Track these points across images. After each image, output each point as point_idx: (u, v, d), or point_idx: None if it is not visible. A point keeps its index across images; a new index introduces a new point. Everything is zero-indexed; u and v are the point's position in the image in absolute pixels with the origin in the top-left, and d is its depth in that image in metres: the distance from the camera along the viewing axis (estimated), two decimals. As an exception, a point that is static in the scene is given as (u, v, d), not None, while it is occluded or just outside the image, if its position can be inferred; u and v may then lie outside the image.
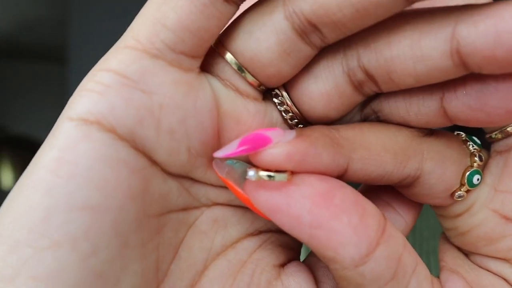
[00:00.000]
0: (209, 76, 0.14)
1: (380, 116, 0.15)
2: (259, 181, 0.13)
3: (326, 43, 0.13)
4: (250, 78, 0.14)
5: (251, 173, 0.13)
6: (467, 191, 0.15)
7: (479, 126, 0.14)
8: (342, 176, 0.14)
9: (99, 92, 0.13)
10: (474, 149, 0.15)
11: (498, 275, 0.16)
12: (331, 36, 0.13)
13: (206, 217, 0.15)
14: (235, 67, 0.14)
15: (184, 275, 0.15)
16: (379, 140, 0.14)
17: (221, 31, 0.14)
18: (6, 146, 1.83)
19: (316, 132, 0.14)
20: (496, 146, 0.16)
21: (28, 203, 0.12)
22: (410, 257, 0.14)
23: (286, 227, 0.13)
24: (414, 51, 0.12)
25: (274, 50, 0.13)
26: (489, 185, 0.15)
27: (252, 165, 0.14)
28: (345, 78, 0.14)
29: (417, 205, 0.17)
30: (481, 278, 0.16)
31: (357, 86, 0.14)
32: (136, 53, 0.13)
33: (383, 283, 0.13)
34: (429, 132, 0.15)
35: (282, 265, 0.16)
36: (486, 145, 0.16)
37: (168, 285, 0.14)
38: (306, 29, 0.13)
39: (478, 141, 0.16)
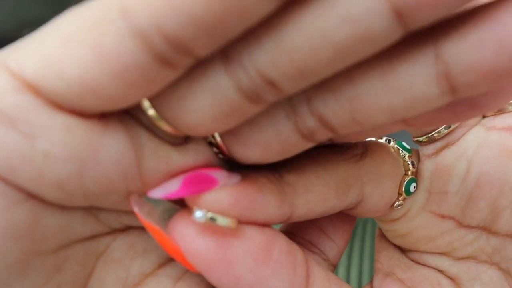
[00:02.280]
0: (123, 116, 0.11)
1: (334, 139, 0.14)
2: (199, 227, 0.12)
3: (281, 98, 0.10)
4: (171, 129, 0.11)
5: (199, 214, 0.11)
6: (404, 199, 0.16)
7: (440, 126, 0.15)
8: (284, 222, 0.13)
9: None
10: (405, 155, 0.16)
11: (435, 268, 0.16)
12: (292, 90, 0.10)
13: (120, 244, 0.13)
14: (152, 116, 0.11)
15: None
16: (320, 179, 0.13)
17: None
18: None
19: (262, 176, 0.12)
20: (425, 150, 0.16)
21: None
22: (336, 286, 0.14)
23: (221, 287, 0.12)
24: (387, 82, 0.10)
25: (206, 112, 0.10)
26: (423, 189, 0.16)
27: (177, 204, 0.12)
28: (289, 126, 0.11)
29: (349, 229, 0.17)
30: (416, 274, 0.16)
31: (306, 135, 0.11)
32: (16, 83, 0.10)
33: None
34: (362, 152, 0.15)
35: None
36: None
37: None
38: (258, 88, 0.10)
39: (408, 147, 0.16)
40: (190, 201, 0.12)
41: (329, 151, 0.14)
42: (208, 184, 0.12)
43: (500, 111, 0.15)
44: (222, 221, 0.11)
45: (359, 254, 0.33)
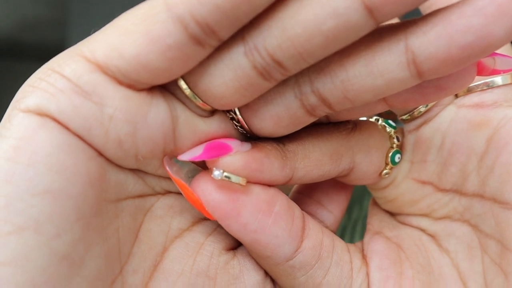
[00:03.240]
0: (165, 93, 0.14)
1: (329, 116, 0.17)
2: (216, 184, 0.15)
3: (287, 75, 0.13)
4: (201, 103, 0.14)
5: (216, 172, 0.14)
6: (391, 168, 0.18)
7: (415, 106, 0.17)
8: (286, 184, 0.16)
9: (51, 94, 0.13)
10: (391, 131, 0.18)
11: (417, 228, 0.19)
12: (294, 69, 0.13)
13: (162, 204, 0.16)
14: (187, 93, 0.14)
15: (146, 257, 0.15)
16: (316, 147, 0.16)
17: None
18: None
19: (269, 144, 0.16)
20: (407, 126, 0.19)
21: None
22: (328, 239, 0.17)
23: (232, 231, 0.15)
24: (370, 69, 0.13)
25: (229, 86, 0.13)
26: (406, 160, 0.19)
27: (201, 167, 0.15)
28: (296, 103, 0.14)
29: (344, 200, 0.20)
30: (402, 232, 0.19)
31: (309, 110, 0.15)
32: (90, 66, 0.13)
33: (310, 267, 0.16)
34: (353, 127, 0.17)
35: (236, 248, 0.18)
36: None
37: (132, 266, 0.15)
38: (268, 66, 0.13)
39: (393, 124, 0.19)
40: (210, 163, 0.15)
41: (325, 126, 0.17)
42: (224, 150, 0.15)
43: (469, 91, 0.17)
44: (234, 179, 0.15)
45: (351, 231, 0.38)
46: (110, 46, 0.13)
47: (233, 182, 0.15)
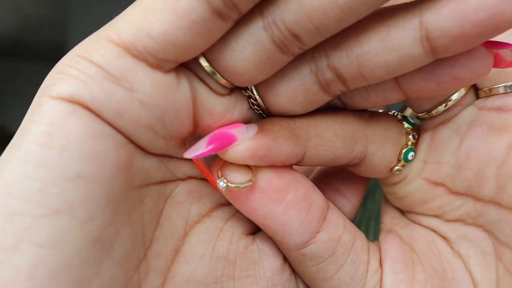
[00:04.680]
0: (187, 72, 0.15)
1: (345, 101, 0.17)
2: (229, 165, 0.15)
3: (303, 49, 0.14)
4: (222, 80, 0.15)
5: (222, 184, 0.15)
6: (403, 166, 0.18)
7: (431, 96, 0.17)
8: (299, 163, 0.16)
9: (83, 81, 0.13)
10: (408, 128, 0.18)
11: (429, 228, 0.19)
12: (311, 42, 0.13)
13: (182, 189, 0.16)
14: (208, 70, 0.14)
15: (168, 241, 0.16)
16: (330, 127, 0.16)
17: None
18: (6, 146, 1.83)
19: (276, 125, 0.15)
20: (424, 125, 0.18)
21: (22, 175, 0.12)
22: (349, 236, 0.17)
23: (243, 213, 0.16)
24: (385, 44, 0.13)
25: (249, 60, 0.14)
26: (420, 159, 0.18)
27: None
28: (312, 78, 0.15)
29: (362, 189, 0.20)
30: (414, 232, 0.19)
31: (324, 86, 0.15)
32: (118, 50, 0.13)
33: (322, 260, 0.16)
34: (371, 116, 0.17)
35: (255, 232, 0.18)
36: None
37: (155, 250, 0.15)
38: (286, 39, 0.13)
39: (412, 121, 0.18)
40: (219, 155, 0.15)
41: (341, 110, 0.17)
42: (228, 140, 0.15)
43: (491, 93, 0.17)
44: (242, 186, 0.15)
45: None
46: (136, 26, 0.13)
47: (241, 188, 0.15)
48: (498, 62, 0.14)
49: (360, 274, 0.17)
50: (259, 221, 0.16)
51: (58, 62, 0.14)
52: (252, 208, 0.15)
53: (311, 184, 0.16)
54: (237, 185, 0.15)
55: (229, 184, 0.15)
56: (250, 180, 0.15)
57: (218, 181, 0.15)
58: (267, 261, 0.17)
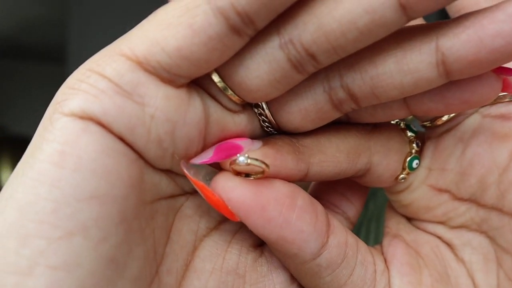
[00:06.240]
0: (199, 89, 0.15)
1: (351, 116, 0.17)
2: (237, 180, 0.14)
3: (318, 68, 0.14)
4: (234, 96, 0.14)
5: (242, 159, 0.14)
6: (408, 174, 0.18)
7: (437, 115, 0.17)
8: (303, 179, 0.16)
9: (94, 95, 0.13)
10: (412, 136, 0.18)
11: (433, 235, 0.19)
12: (326, 62, 0.13)
13: (191, 203, 0.16)
14: (220, 86, 0.14)
15: (178, 256, 0.16)
16: (333, 143, 0.16)
17: None
18: (6, 146, 1.83)
19: (280, 140, 0.15)
20: (428, 133, 0.18)
21: (35, 196, 0.12)
22: (352, 238, 0.17)
23: (258, 228, 0.15)
24: (400, 66, 0.13)
25: (264, 78, 0.14)
26: (424, 166, 0.18)
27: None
28: (325, 97, 0.15)
29: (364, 194, 0.20)
30: (419, 237, 0.19)
31: (337, 105, 0.15)
32: (130, 64, 0.13)
33: (336, 266, 0.16)
34: (373, 127, 0.17)
35: (262, 245, 0.18)
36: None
37: (166, 266, 0.15)
38: (303, 59, 0.13)
39: (414, 129, 0.18)
40: (222, 164, 0.15)
41: (343, 124, 0.17)
42: (235, 150, 0.15)
43: (496, 101, 0.17)
44: (258, 163, 0.14)
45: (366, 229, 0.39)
46: (151, 40, 0.13)
47: (258, 166, 0.14)
48: (506, 87, 0.15)
49: (369, 275, 0.17)
50: (274, 234, 0.15)
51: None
52: (269, 218, 0.14)
53: (304, 191, 0.17)
54: (257, 159, 0.14)
55: (249, 159, 0.14)
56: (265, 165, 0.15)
57: (238, 155, 0.14)
58: (277, 273, 0.17)
